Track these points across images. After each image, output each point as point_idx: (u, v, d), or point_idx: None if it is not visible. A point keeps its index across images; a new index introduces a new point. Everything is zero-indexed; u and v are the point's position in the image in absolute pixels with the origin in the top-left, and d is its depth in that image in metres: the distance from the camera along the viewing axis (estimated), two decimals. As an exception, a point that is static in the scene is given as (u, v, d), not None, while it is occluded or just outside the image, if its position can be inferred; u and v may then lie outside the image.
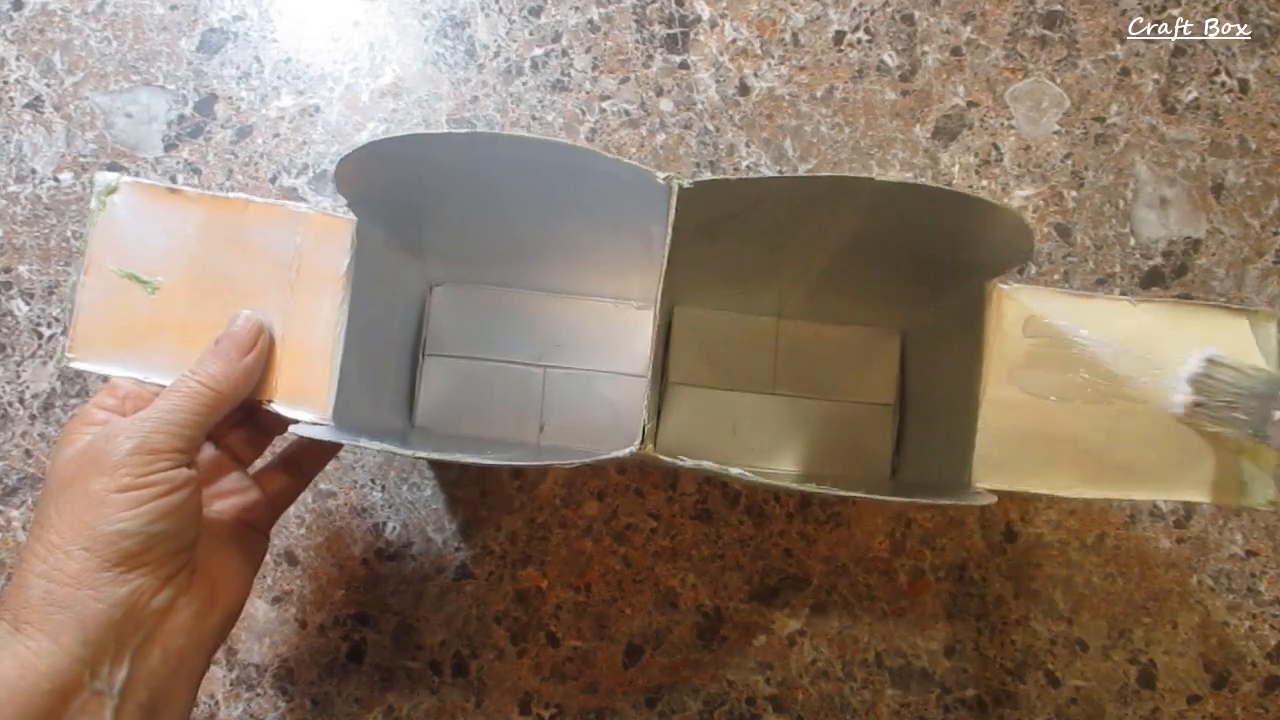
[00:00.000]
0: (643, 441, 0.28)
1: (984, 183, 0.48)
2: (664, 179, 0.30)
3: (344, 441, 0.33)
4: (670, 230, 0.30)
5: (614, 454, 0.28)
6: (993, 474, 0.34)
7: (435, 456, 0.31)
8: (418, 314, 0.44)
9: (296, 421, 0.34)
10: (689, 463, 0.28)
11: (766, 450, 0.43)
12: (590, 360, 0.44)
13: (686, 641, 0.46)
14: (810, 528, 0.46)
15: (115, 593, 0.29)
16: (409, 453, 0.31)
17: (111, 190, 0.34)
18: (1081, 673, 0.45)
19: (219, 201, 0.34)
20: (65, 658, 0.27)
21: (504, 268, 0.43)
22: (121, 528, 0.29)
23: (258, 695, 0.45)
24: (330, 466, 0.46)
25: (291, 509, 0.46)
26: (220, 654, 0.45)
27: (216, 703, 0.45)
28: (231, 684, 0.45)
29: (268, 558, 0.46)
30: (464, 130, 0.30)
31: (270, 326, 0.34)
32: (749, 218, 0.34)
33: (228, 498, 0.35)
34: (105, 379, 0.35)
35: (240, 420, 0.37)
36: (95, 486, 0.29)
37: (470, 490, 0.46)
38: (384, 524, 0.46)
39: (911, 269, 0.37)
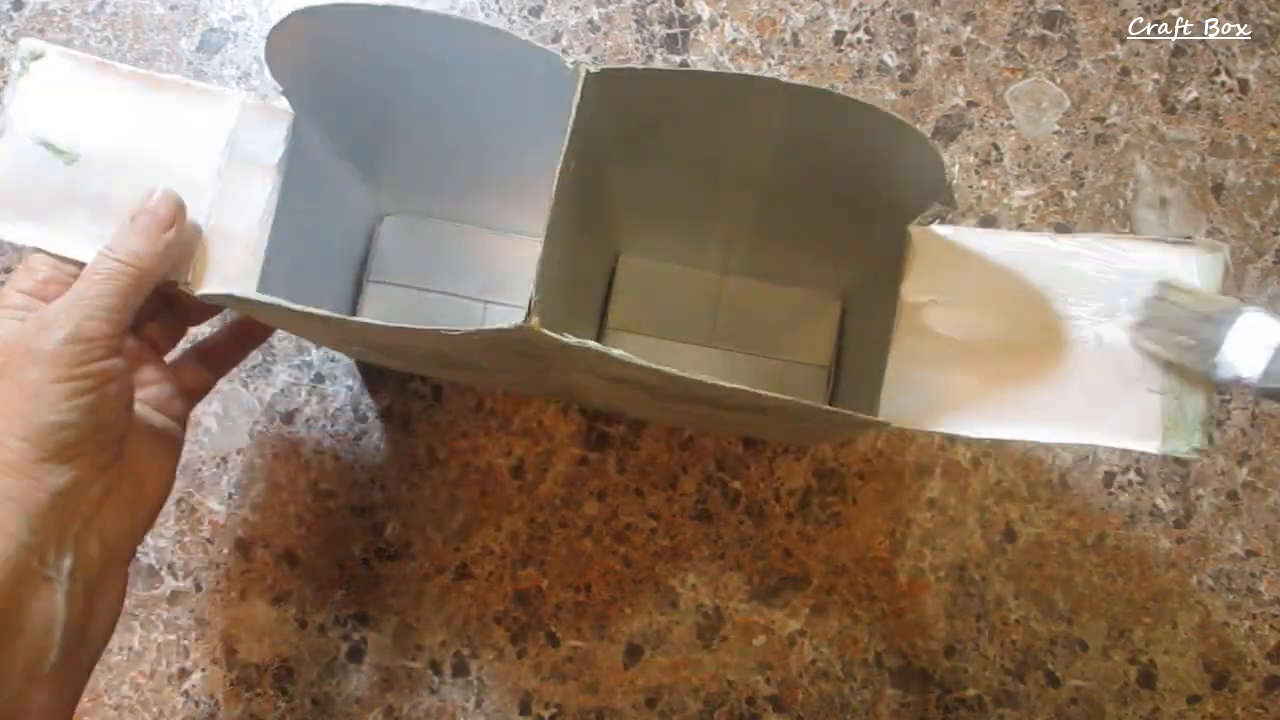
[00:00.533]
0: (529, 315, 0.28)
1: (984, 183, 0.48)
2: (572, 64, 0.29)
3: (262, 299, 0.31)
4: (574, 111, 0.29)
5: (498, 325, 0.27)
6: (899, 413, 0.33)
7: (355, 320, 0.30)
8: (365, 241, 0.45)
9: (218, 310, 0.33)
10: (572, 340, 0.28)
11: None
12: None
13: (686, 641, 0.46)
14: (810, 528, 0.46)
15: (55, 483, 0.28)
16: (322, 312, 0.30)
17: (37, 56, 0.33)
18: (1081, 673, 0.45)
19: (150, 80, 0.33)
20: (14, 545, 0.27)
21: (452, 202, 0.44)
22: (61, 418, 0.28)
23: (258, 695, 0.45)
24: (330, 466, 0.46)
25: (291, 508, 0.46)
26: (220, 654, 0.45)
27: (216, 703, 0.45)
28: (231, 684, 0.45)
29: (268, 557, 0.46)
30: (380, 2, 0.30)
31: (191, 209, 0.33)
32: (669, 132, 0.34)
33: (146, 388, 0.35)
34: (20, 257, 0.34)
35: (158, 309, 0.36)
36: (32, 376, 0.28)
37: (470, 490, 0.46)
38: (384, 524, 0.46)
39: (846, 209, 0.37)
